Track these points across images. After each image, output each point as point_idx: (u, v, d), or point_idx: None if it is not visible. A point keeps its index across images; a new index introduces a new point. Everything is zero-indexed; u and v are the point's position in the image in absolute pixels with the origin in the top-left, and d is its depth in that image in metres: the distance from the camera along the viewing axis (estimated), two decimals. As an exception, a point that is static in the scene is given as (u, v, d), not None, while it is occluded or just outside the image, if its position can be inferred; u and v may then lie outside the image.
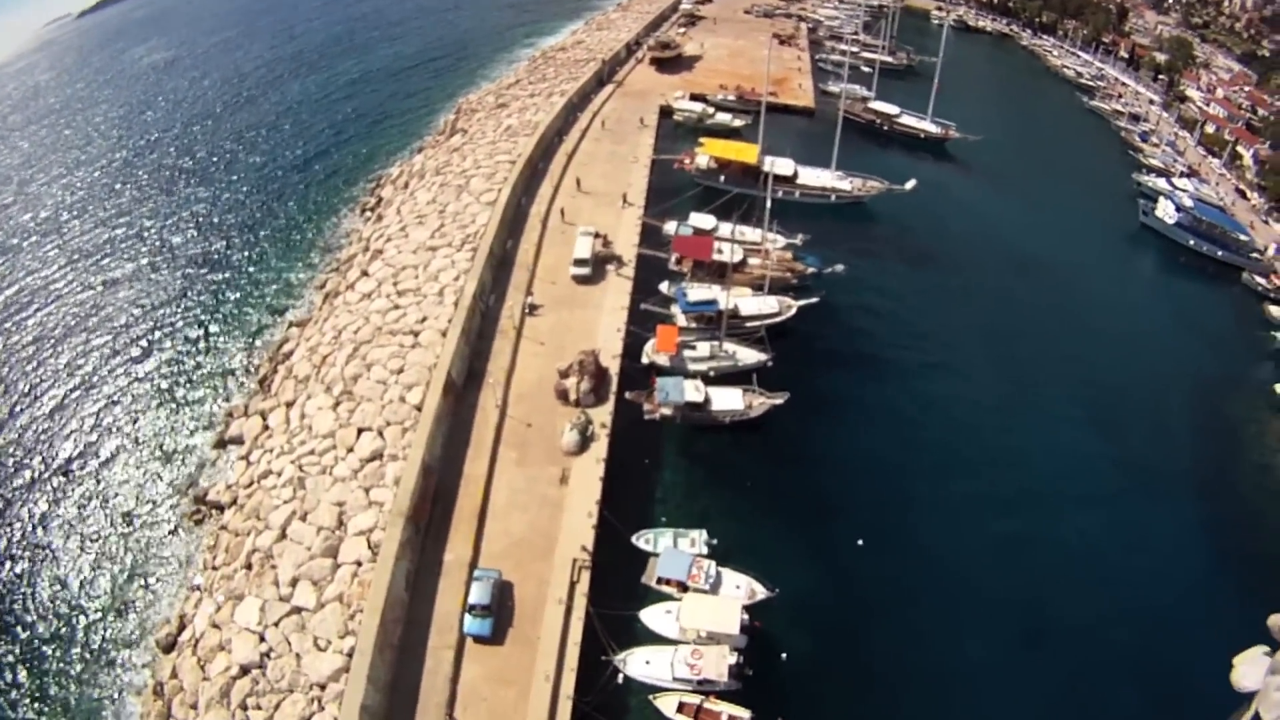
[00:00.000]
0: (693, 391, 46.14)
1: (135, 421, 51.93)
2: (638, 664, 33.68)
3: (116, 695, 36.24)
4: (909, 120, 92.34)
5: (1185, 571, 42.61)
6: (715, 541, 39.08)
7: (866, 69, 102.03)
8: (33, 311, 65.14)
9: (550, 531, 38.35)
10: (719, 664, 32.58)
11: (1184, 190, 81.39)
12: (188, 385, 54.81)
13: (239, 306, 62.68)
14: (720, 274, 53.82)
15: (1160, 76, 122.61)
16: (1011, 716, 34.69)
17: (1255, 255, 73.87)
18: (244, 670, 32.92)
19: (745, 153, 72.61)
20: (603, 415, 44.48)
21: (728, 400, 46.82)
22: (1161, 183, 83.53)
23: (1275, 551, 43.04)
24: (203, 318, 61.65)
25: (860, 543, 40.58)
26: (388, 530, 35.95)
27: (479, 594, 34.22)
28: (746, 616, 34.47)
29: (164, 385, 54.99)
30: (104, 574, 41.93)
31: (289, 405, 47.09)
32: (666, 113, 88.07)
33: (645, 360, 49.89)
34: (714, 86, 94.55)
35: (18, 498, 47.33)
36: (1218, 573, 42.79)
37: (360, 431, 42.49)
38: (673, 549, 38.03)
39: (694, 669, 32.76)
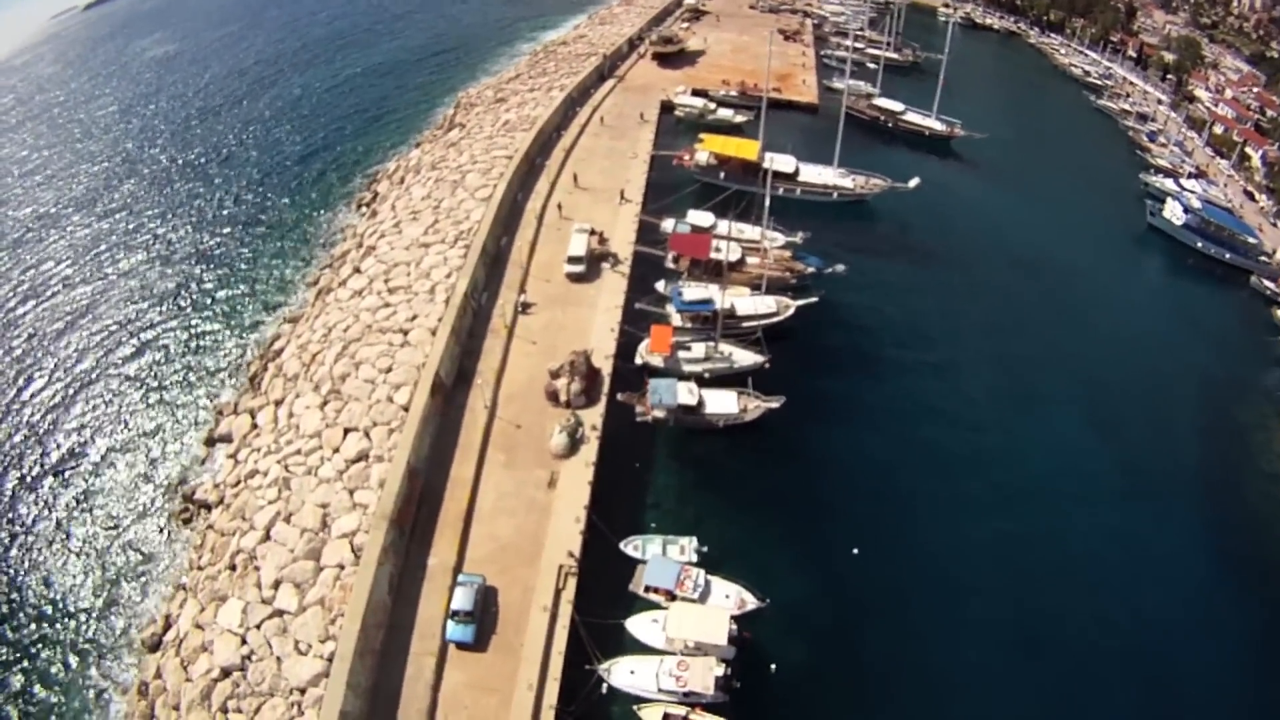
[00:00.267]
0: (686, 394, 45.28)
1: (127, 418, 51.48)
2: (622, 674, 33.03)
3: (102, 694, 35.88)
4: (914, 117, 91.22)
5: (1190, 579, 41.86)
6: (705, 549, 38.20)
7: (871, 65, 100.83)
8: (30, 306, 64.55)
9: (537, 536, 37.68)
10: (706, 676, 31.85)
11: (1192, 191, 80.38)
12: (180, 381, 54.37)
13: (233, 302, 62.19)
14: (717, 273, 52.92)
15: (1168, 76, 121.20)
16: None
17: (1264, 258, 72.75)
18: (225, 673, 32.56)
19: (746, 149, 71.55)
20: (593, 417, 43.75)
21: (722, 403, 45.97)
22: (1169, 183, 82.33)
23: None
24: (197, 313, 61.21)
25: (855, 552, 39.60)
26: (371, 533, 35.37)
27: (462, 599, 33.64)
28: (735, 627, 33.75)
29: (156, 381, 54.49)
30: (92, 571, 41.58)
31: (277, 404, 46.57)
32: (667, 108, 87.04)
33: (639, 361, 49.02)
34: (716, 82, 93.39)
35: (5, 492, 46.91)
36: (1222, 580, 42.08)
37: (346, 432, 41.89)
38: (661, 556, 37.28)
39: (680, 680, 32.07)
